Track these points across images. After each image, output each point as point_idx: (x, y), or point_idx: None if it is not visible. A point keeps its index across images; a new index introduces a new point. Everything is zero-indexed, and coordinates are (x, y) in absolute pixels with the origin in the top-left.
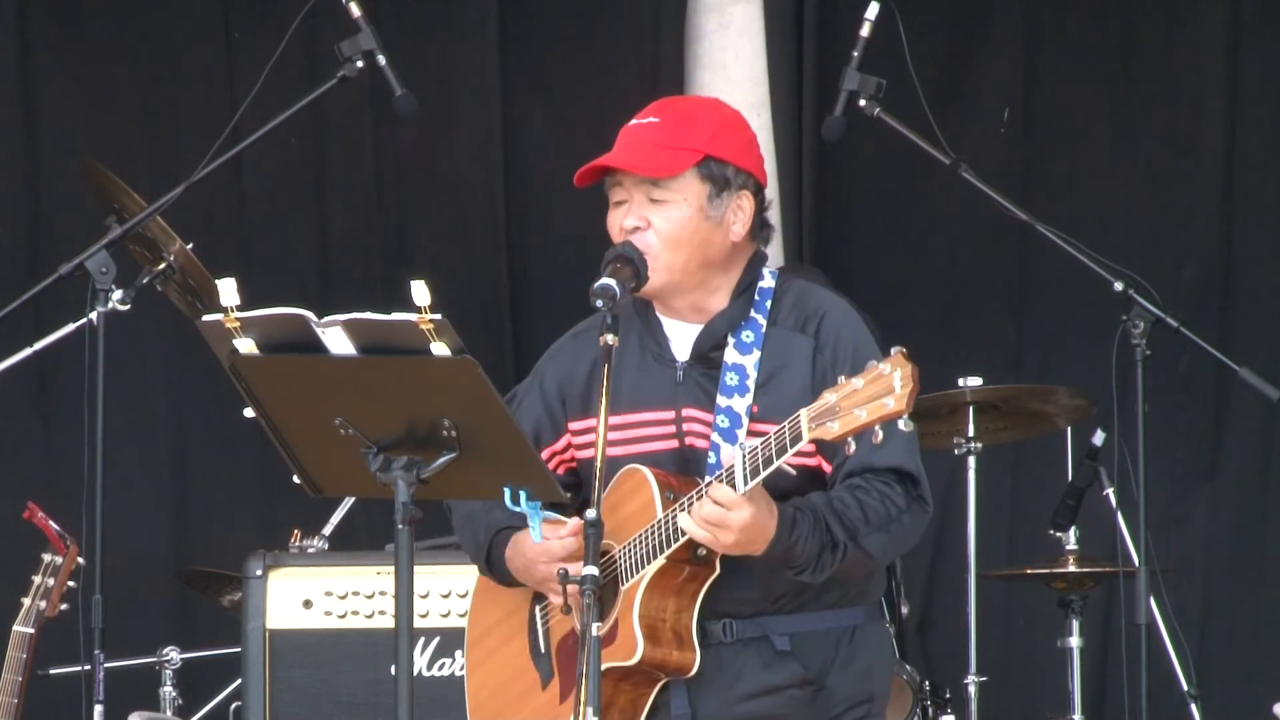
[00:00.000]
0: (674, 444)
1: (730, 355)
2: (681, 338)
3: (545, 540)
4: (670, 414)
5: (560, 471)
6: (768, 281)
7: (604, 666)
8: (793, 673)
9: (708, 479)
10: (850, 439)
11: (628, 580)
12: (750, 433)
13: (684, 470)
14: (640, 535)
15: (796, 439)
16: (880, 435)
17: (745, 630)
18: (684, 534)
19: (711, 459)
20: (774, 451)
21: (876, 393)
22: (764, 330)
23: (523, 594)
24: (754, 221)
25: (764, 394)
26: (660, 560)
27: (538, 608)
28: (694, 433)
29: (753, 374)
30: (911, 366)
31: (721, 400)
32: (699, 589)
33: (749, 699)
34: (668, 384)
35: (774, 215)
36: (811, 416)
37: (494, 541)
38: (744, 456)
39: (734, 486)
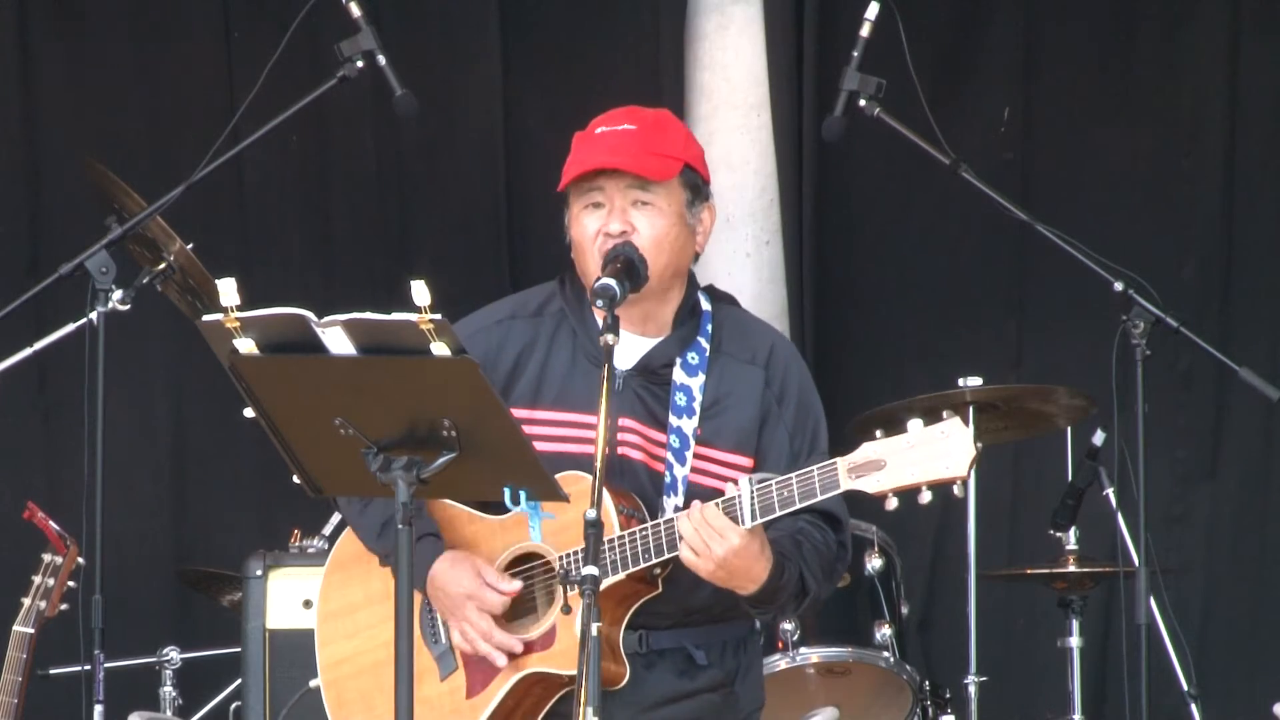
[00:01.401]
0: (606, 449)
1: (679, 375)
2: (623, 345)
3: (492, 588)
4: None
5: None
6: (704, 303)
7: (535, 670)
8: (709, 676)
9: (703, 506)
10: (893, 495)
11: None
12: (696, 455)
13: (611, 478)
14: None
15: (830, 488)
16: (928, 497)
17: (660, 641)
18: (662, 554)
19: (667, 479)
20: (796, 495)
21: (931, 454)
22: (708, 354)
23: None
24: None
25: (710, 419)
26: (619, 577)
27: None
28: (628, 443)
29: (698, 396)
30: (971, 433)
31: (672, 419)
32: (632, 605)
33: (665, 704)
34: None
35: (774, 215)
36: (850, 467)
37: (423, 539)
38: (752, 491)
39: (736, 520)
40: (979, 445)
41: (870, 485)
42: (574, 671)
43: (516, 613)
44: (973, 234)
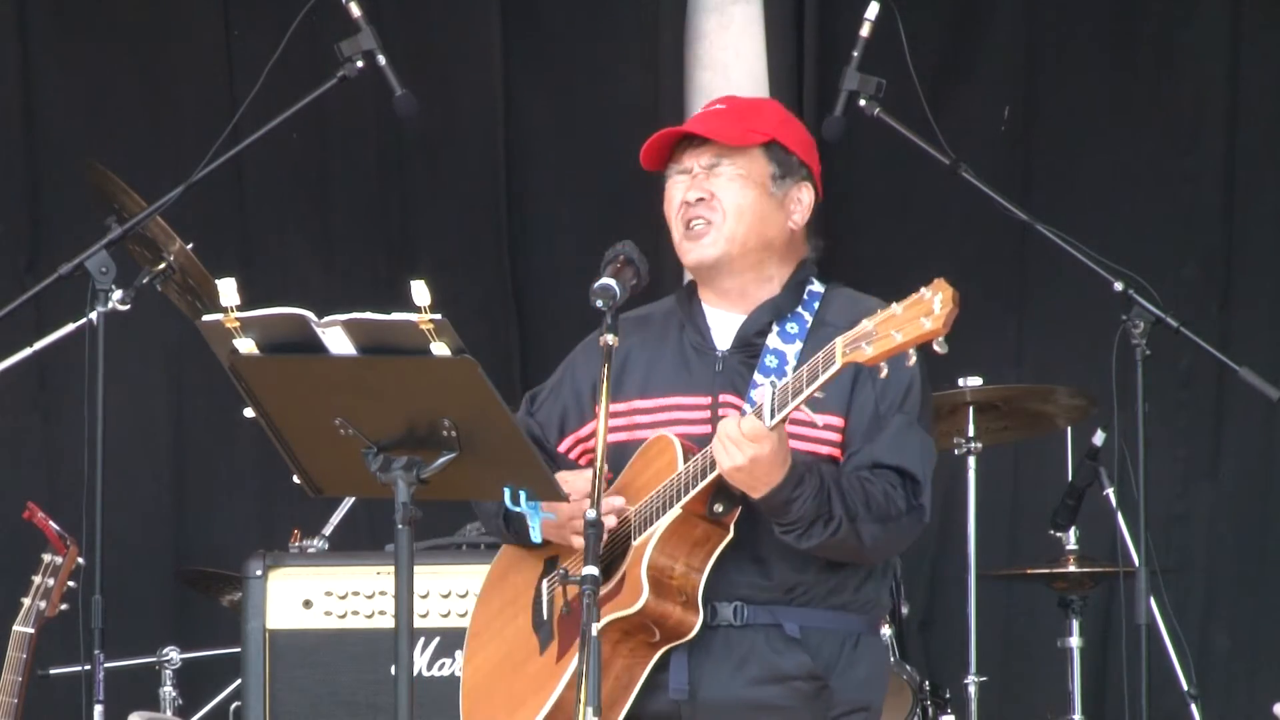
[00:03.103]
0: (707, 429)
1: (773, 341)
2: (724, 326)
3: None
4: (706, 399)
5: (583, 462)
6: (817, 286)
7: (607, 619)
8: (801, 663)
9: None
10: (883, 364)
11: (639, 535)
12: (791, 421)
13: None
14: (659, 490)
15: (829, 364)
16: (913, 359)
17: (757, 616)
18: (705, 477)
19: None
20: (805, 381)
21: (914, 315)
22: (809, 325)
23: (529, 577)
24: (811, 216)
25: None
26: (676, 510)
27: (544, 581)
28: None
29: (792, 361)
30: (953, 290)
31: (758, 377)
32: (711, 551)
33: (755, 684)
34: (706, 372)
35: None
36: (846, 341)
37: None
38: (774, 392)
39: (762, 419)
40: (958, 298)
41: (861, 355)
42: (635, 607)
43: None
44: (973, 234)
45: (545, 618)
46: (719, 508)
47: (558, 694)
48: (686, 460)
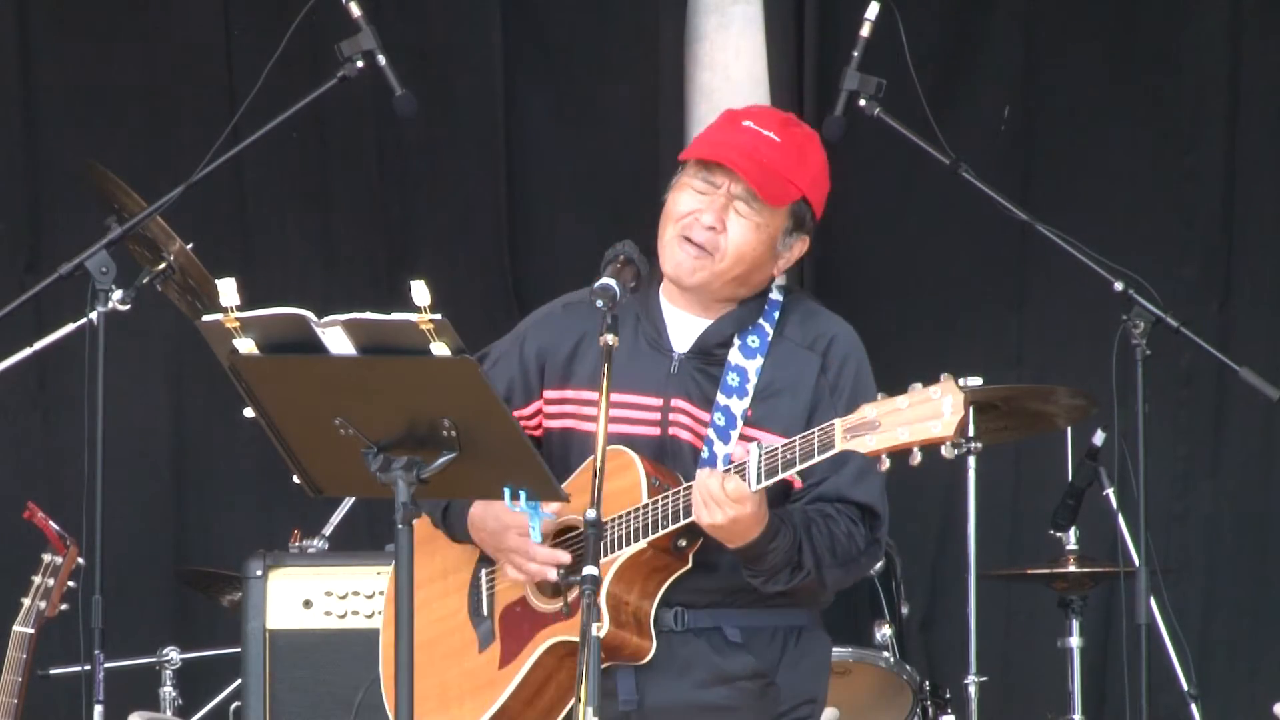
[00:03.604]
0: (655, 431)
1: (734, 356)
2: (682, 328)
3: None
4: (658, 401)
5: None
6: (776, 295)
7: (557, 639)
8: (745, 664)
9: (713, 469)
10: (885, 456)
11: (599, 559)
12: (741, 436)
13: (660, 459)
14: (620, 517)
15: (827, 448)
16: (918, 458)
17: (697, 620)
18: (679, 520)
19: (704, 454)
20: (798, 456)
21: (923, 415)
22: (769, 339)
23: (465, 554)
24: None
25: (761, 402)
26: (641, 544)
27: (484, 570)
28: (679, 424)
29: (753, 379)
30: (963, 395)
31: (720, 399)
32: (664, 580)
33: (701, 687)
34: (660, 372)
35: None
36: (847, 428)
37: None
38: (760, 456)
39: (746, 480)
40: (969, 401)
41: (863, 445)
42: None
43: (552, 588)
44: (973, 234)
45: (485, 613)
46: (683, 542)
47: (501, 702)
48: (649, 485)
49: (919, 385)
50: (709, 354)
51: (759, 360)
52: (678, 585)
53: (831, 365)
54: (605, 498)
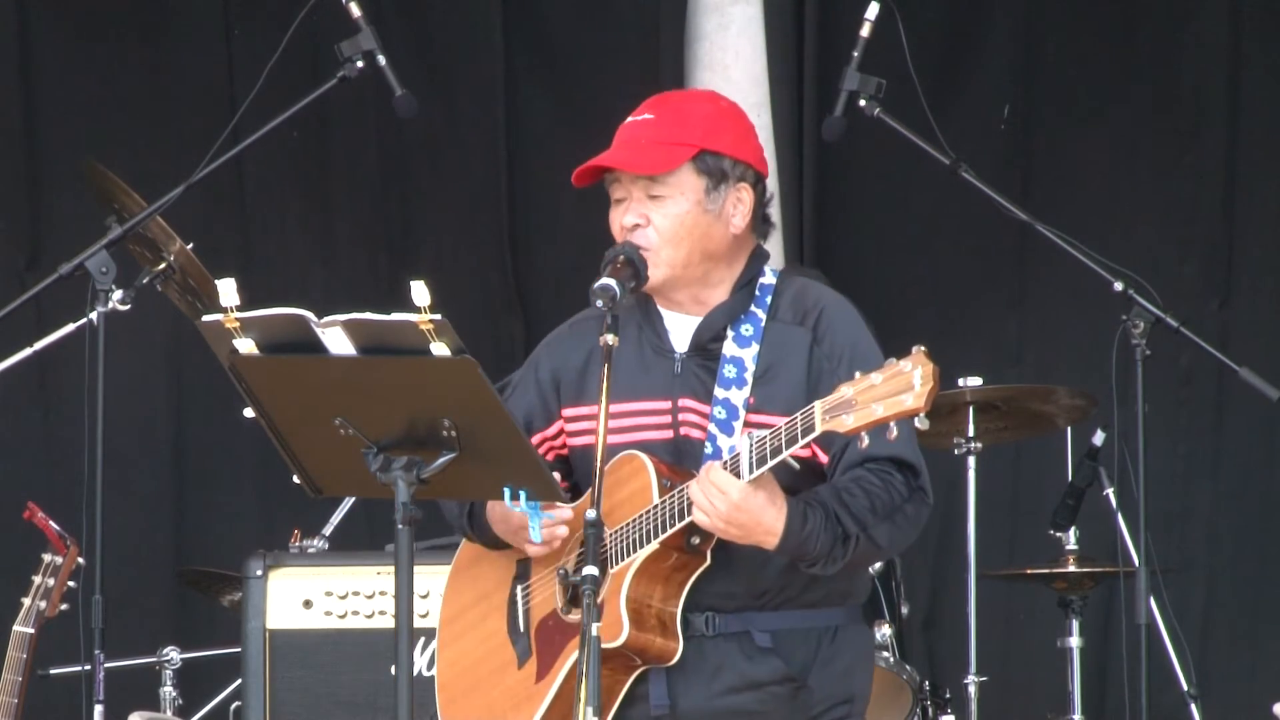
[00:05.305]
0: (669, 434)
1: (729, 348)
2: (681, 329)
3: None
4: (666, 404)
5: (550, 458)
6: (769, 278)
7: None
8: (774, 669)
9: (709, 464)
10: (864, 434)
11: (617, 563)
12: (746, 424)
13: (678, 460)
14: (634, 520)
15: (809, 430)
16: (895, 432)
17: (728, 624)
18: (683, 518)
19: (708, 449)
20: (784, 442)
21: (895, 389)
22: (763, 324)
23: (503, 574)
24: (754, 214)
25: (760, 387)
26: (654, 545)
27: (519, 587)
28: (689, 423)
29: (751, 367)
30: (932, 366)
31: (719, 392)
32: (686, 579)
33: (730, 692)
34: (665, 375)
35: (774, 214)
36: (826, 409)
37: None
38: (751, 446)
39: (738, 474)
40: (939, 372)
41: (842, 425)
42: (617, 642)
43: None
44: (973, 234)
45: (522, 630)
46: (696, 539)
47: (540, 715)
48: (660, 485)
49: (894, 360)
50: (705, 349)
51: (754, 347)
52: (706, 589)
53: (824, 336)
54: (619, 504)
